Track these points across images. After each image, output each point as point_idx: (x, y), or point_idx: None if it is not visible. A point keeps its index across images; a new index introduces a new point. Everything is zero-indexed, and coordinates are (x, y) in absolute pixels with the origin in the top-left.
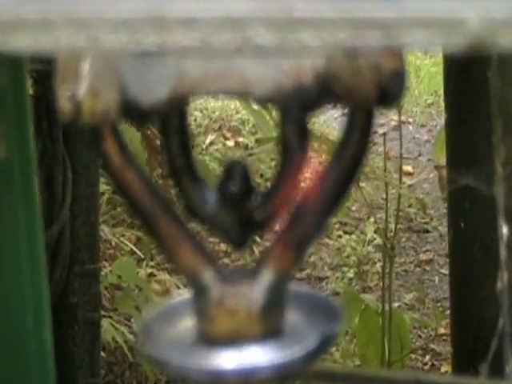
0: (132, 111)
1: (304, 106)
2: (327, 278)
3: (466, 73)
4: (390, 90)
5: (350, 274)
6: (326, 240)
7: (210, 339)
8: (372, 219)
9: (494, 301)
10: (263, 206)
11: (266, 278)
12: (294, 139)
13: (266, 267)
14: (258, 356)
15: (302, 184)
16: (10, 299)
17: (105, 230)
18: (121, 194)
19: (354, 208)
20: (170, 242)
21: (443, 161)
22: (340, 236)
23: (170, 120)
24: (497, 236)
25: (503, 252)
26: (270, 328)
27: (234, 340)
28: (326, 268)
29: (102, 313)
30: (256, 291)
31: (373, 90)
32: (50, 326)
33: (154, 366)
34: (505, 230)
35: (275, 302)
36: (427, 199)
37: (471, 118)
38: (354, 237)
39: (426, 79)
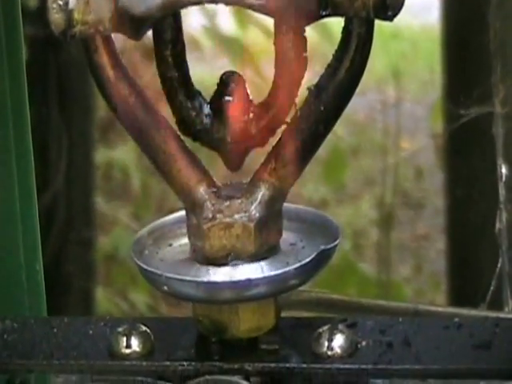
0: (125, 20)
1: (301, 14)
2: None
3: (465, 44)
4: None
5: (346, 247)
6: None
7: (205, 255)
8: (369, 193)
9: (492, 270)
10: (258, 119)
11: (261, 192)
12: (290, 49)
13: (261, 182)
14: (252, 270)
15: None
16: (2, 235)
17: (100, 203)
18: (113, 109)
19: (351, 184)
20: (165, 156)
21: (439, 130)
22: (336, 211)
23: (164, 30)
24: (495, 203)
25: (502, 192)
26: (265, 243)
27: (228, 255)
28: None
29: (98, 287)
30: (251, 205)
31: None
32: (41, 261)
33: (147, 280)
34: (504, 169)
35: (270, 217)
36: (424, 172)
37: (469, 86)
38: (350, 209)
39: (422, 55)
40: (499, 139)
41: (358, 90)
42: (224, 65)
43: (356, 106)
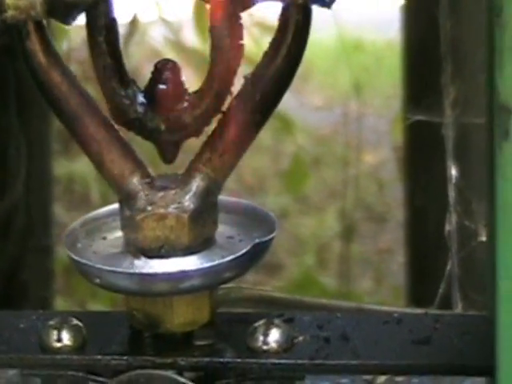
0: (56, 5)
1: (236, 0)
2: (284, 265)
3: (423, 56)
4: None
5: (310, 261)
6: (284, 226)
7: (139, 247)
8: (332, 206)
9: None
10: (193, 108)
11: (196, 183)
12: (226, 36)
13: (196, 173)
14: (186, 262)
15: (235, 84)
16: None
17: (60, 213)
18: (45, 95)
19: (314, 197)
20: (97, 145)
21: (401, 142)
22: (299, 223)
23: (97, 16)
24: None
25: (452, 194)
26: (200, 235)
27: (162, 247)
28: (284, 255)
29: (57, 298)
30: (185, 196)
31: None
32: None
33: (80, 273)
34: (453, 171)
35: (205, 209)
36: (386, 186)
37: (427, 95)
38: (313, 222)
39: (386, 69)
40: (449, 141)
41: (322, 103)
42: (188, 76)
43: (321, 120)
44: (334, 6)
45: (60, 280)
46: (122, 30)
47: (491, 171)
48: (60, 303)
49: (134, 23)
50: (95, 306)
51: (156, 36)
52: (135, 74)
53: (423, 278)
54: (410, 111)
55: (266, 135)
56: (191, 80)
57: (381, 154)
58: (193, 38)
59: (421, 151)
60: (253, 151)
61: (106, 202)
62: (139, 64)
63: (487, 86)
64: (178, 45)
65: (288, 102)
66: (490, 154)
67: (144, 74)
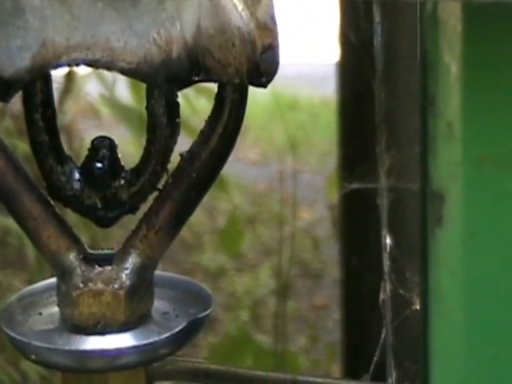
0: None
1: (173, 78)
2: (220, 320)
3: (359, 115)
4: (262, 64)
5: (245, 318)
6: (220, 283)
7: (75, 323)
8: (267, 263)
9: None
10: (130, 185)
11: (132, 260)
12: (162, 114)
13: (132, 249)
14: (122, 339)
15: (172, 161)
16: None
17: None
18: None
19: (249, 255)
20: (34, 221)
21: (336, 200)
22: (234, 280)
23: (34, 93)
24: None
25: (386, 263)
26: (136, 311)
27: (98, 323)
28: (219, 310)
29: None
30: (122, 273)
31: (244, 64)
32: None
33: (16, 349)
34: (388, 240)
35: (141, 285)
36: (321, 243)
37: (363, 155)
38: (248, 280)
39: (322, 127)
40: (384, 210)
41: (258, 160)
42: (122, 133)
43: (256, 176)
44: None
45: None
46: (58, 84)
47: (425, 255)
48: None
49: (70, 77)
50: (28, 364)
51: (91, 91)
52: (70, 129)
53: (359, 336)
54: (346, 171)
55: None
56: (125, 135)
57: (317, 211)
58: (127, 94)
59: (355, 214)
60: None
61: (41, 258)
62: (74, 119)
63: (420, 172)
64: (112, 101)
65: None
66: (422, 239)
67: (79, 129)
